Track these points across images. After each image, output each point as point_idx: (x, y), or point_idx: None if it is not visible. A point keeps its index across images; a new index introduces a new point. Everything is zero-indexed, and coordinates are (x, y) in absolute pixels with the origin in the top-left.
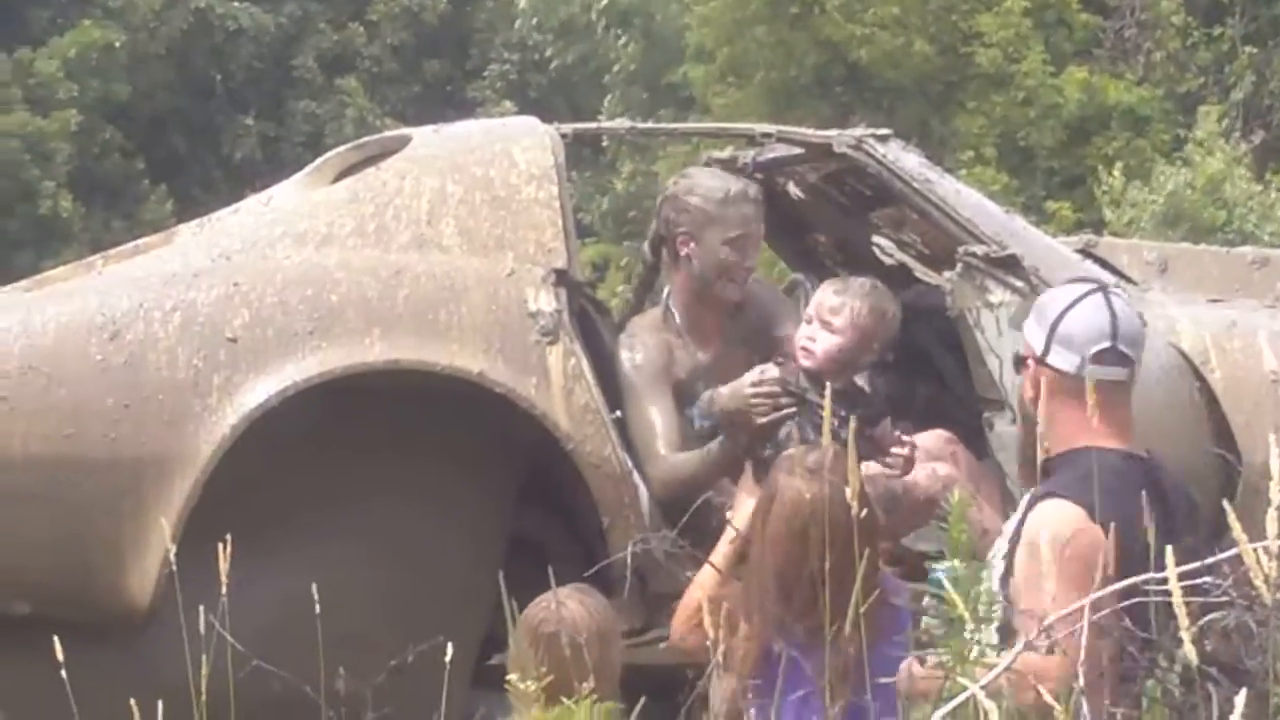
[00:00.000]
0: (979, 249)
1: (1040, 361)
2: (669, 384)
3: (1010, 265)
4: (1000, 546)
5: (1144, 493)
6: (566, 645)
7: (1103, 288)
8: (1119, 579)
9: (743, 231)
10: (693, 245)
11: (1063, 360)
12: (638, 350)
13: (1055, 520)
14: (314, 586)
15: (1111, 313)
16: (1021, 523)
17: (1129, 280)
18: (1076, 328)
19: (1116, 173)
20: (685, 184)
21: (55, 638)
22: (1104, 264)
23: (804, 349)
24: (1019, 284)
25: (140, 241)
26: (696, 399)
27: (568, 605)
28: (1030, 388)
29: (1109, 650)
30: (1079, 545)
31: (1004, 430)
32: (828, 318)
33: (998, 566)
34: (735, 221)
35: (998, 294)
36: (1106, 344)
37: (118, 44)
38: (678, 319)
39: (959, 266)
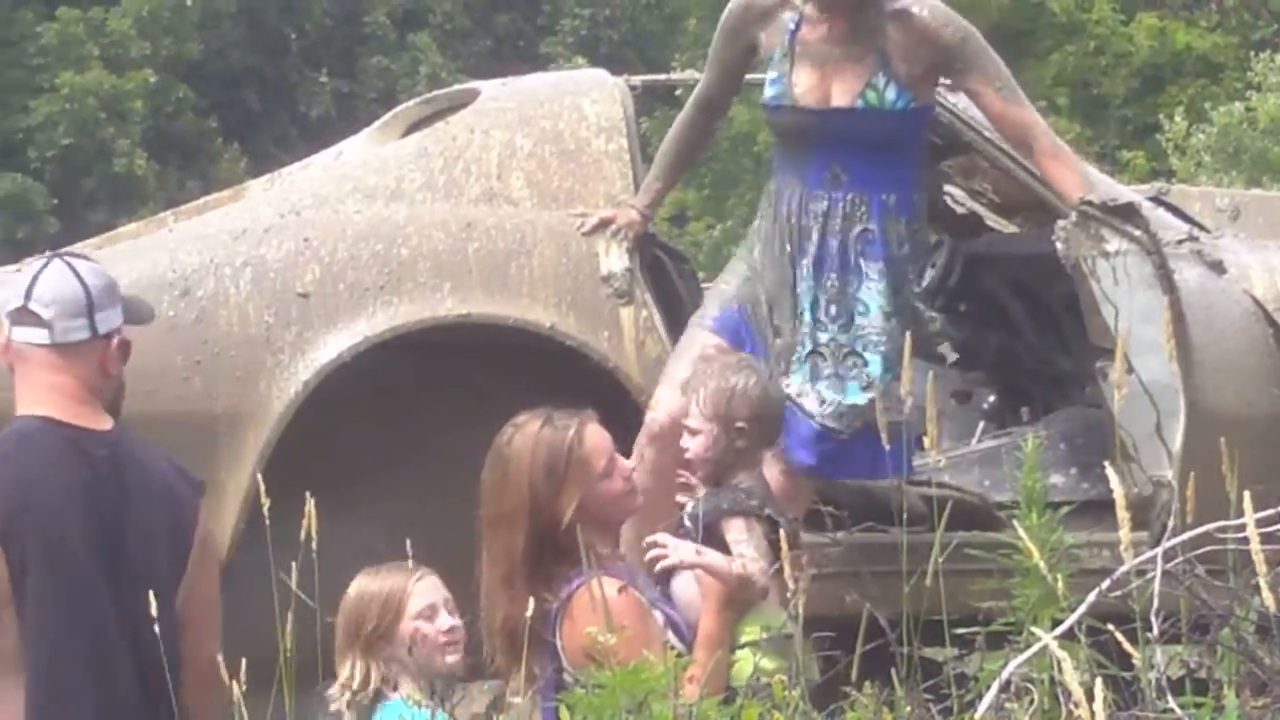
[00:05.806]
0: (1094, 197)
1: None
2: None
3: (1128, 214)
4: None
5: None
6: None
7: (56, 255)
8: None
9: None
10: None
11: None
12: None
13: None
14: (387, 543)
15: (33, 276)
16: None
17: (1201, 228)
18: (2, 289)
19: (1179, 117)
20: None
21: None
22: (1176, 211)
23: (688, 462)
24: (1137, 233)
25: (210, 198)
26: None
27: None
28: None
29: None
30: None
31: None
32: (684, 422)
33: None
34: None
35: (1114, 243)
36: (19, 303)
37: (189, 2)
38: None
39: (1074, 215)
